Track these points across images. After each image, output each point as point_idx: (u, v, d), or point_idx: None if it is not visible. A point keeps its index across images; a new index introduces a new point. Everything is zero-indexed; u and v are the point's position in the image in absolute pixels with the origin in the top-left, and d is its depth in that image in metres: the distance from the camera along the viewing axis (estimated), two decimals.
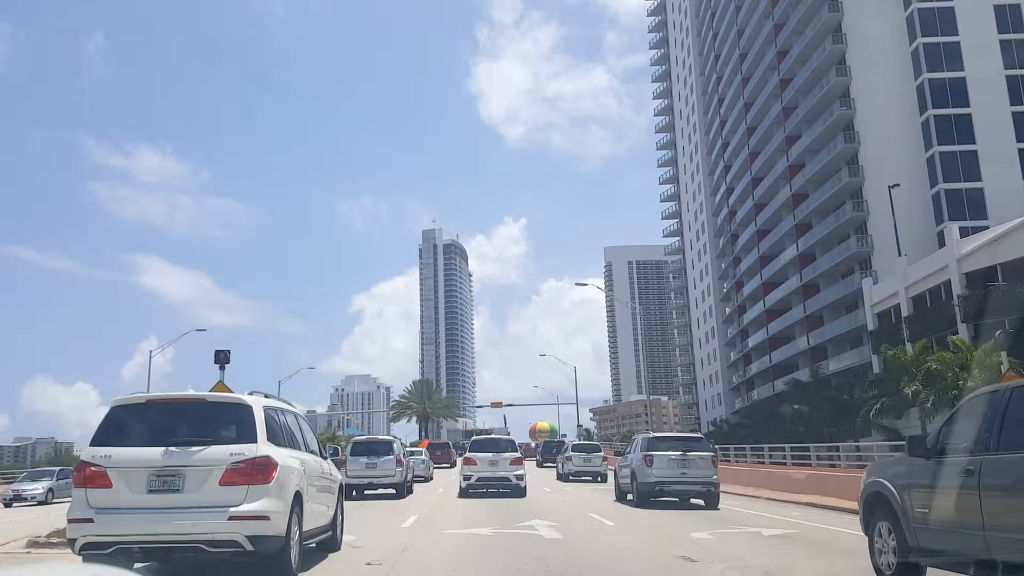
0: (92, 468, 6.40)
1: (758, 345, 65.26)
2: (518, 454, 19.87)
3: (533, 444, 63.56)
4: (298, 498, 7.01)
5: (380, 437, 22.55)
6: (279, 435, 7.23)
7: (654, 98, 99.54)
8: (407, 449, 26.13)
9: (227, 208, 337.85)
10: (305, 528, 7.29)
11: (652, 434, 18.62)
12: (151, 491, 6.35)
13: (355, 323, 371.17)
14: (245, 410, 6.87)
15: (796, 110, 55.31)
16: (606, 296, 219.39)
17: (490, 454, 19.22)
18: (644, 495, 16.15)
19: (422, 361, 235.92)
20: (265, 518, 6.39)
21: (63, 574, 2.60)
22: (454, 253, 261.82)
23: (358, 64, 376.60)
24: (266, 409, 7.14)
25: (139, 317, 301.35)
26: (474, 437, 25.05)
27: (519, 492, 18.52)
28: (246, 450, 6.51)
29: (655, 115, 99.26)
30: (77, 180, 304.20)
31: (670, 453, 16.26)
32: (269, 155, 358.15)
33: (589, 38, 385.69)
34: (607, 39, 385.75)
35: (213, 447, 6.48)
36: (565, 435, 50.49)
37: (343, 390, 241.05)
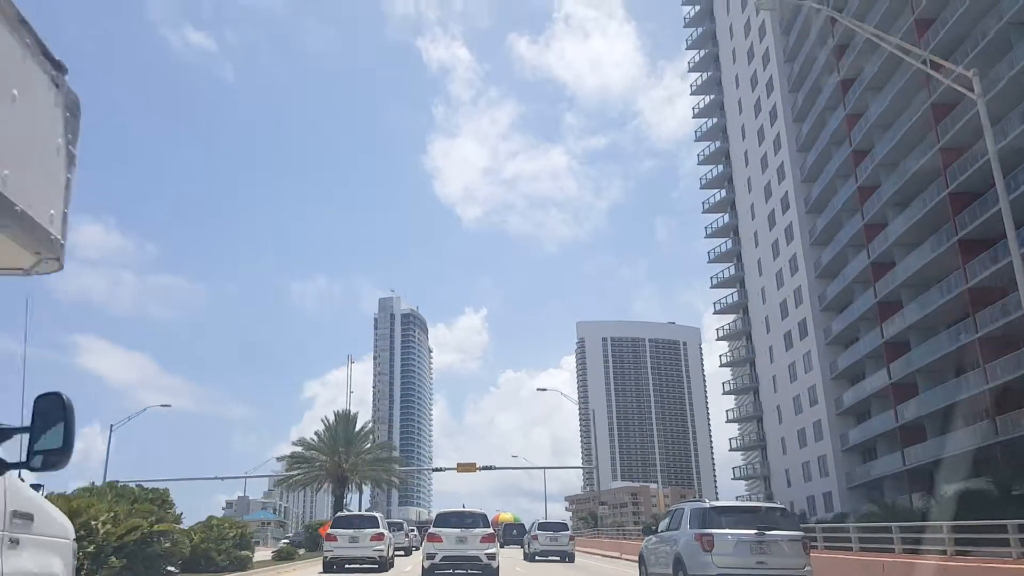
0: (331, 533, 24.42)
1: (937, 361, 44.01)
2: (490, 530, 20.23)
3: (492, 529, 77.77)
4: (388, 547, 25.10)
5: (395, 519, 41.34)
6: (385, 525, 25.86)
7: (693, 89, 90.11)
8: (410, 526, 43.25)
9: (173, 286, 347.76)
10: (388, 556, 25.41)
11: (709, 503, 14.57)
12: (351, 541, 24.17)
13: (306, 409, 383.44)
14: (375, 517, 25.61)
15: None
16: (577, 378, 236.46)
17: (458, 530, 19.57)
18: None
19: (374, 442, 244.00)
20: (383, 551, 24.32)
21: None
22: (413, 324, 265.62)
23: (311, 137, 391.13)
24: (379, 516, 26.00)
25: (79, 400, 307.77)
26: (439, 511, 23.89)
27: (490, 573, 19.35)
28: (377, 530, 24.65)
29: (696, 131, 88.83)
30: None
31: (740, 532, 13.12)
32: (218, 231, 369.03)
33: (548, 117, 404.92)
34: (565, 119, 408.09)
35: (368, 528, 24.53)
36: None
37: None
